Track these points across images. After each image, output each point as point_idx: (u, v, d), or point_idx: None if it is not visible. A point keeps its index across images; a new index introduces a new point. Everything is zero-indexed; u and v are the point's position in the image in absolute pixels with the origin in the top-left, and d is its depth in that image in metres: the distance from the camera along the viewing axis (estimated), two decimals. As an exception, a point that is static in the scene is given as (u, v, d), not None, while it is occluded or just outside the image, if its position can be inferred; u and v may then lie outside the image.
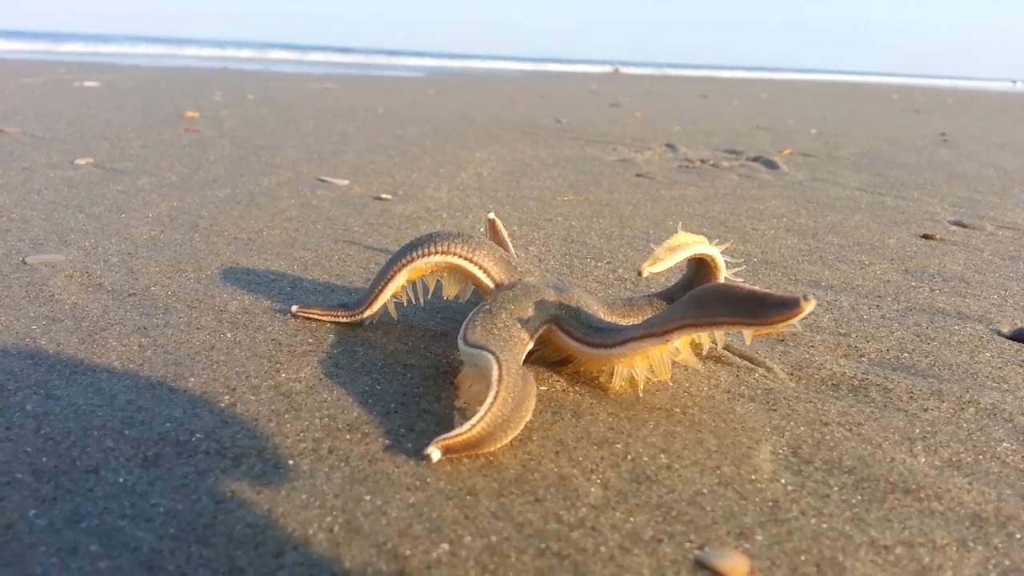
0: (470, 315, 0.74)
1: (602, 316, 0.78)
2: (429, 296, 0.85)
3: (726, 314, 0.60)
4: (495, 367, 0.62)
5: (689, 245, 0.78)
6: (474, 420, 0.58)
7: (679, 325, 0.64)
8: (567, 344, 0.73)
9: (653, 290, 1.07)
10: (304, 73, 7.86)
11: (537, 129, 3.21)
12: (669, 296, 0.85)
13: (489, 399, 0.59)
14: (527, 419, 0.62)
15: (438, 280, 0.86)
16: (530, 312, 0.73)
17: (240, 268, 1.08)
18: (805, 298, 0.56)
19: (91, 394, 0.67)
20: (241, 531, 0.49)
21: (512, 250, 0.93)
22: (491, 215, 0.97)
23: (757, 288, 0.60)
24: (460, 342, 0.69)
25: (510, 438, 0.60)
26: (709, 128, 3.56)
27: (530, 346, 0.73)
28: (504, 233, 0.96)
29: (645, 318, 0.81)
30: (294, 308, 0.88)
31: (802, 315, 0.56)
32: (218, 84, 5.21)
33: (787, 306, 0.57)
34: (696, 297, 0.64)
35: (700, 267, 0.84)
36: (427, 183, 1.85)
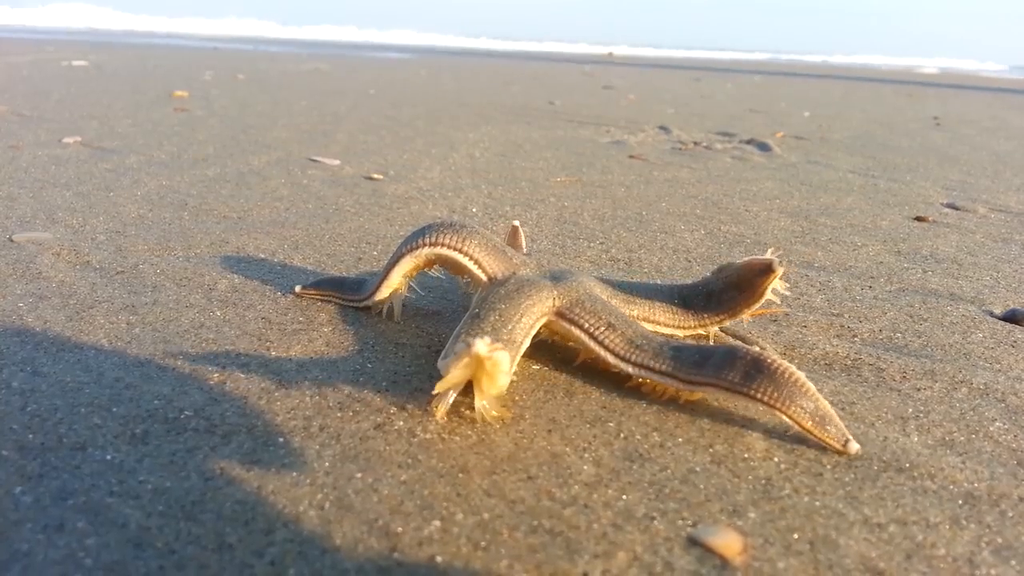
0: (457, 328, 0.69)
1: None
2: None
3: (775, 399, 0.60)
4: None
5: None
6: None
7: (714, 383, 0.63)
8: (570, 332, 0.69)
9: (663, 281, 1.06)
10: (294, 53, 7.80)
11: (530, 111, 3.20)
12: (681, 294, 0.77)
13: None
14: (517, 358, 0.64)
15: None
16: (522, 312, 0.68)
17: (229, 247, 1.06)
18: (848, 444, 0.59)
19: (78, 371, 0.66)
20: (230, 508, 0.49)
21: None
22: (516, 222, 0.95)
23: (816, 394, 0.61)
24: (440, 361, 0.64)
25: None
26: (702, 111, 3.55)
27: (525, 346, 0.68)
28: (522, 240, 0.93)
29: (643, 312, 0.75)
30: (297, 288, 0.88)
31: (843, 452, 0.59)
32: (208, 63, 5.16)
33: (831, 433, 0.60)
34: (742, 361, 0.62)
35: (731, 287, 0.76)
36: (419, 163, 1.84)
